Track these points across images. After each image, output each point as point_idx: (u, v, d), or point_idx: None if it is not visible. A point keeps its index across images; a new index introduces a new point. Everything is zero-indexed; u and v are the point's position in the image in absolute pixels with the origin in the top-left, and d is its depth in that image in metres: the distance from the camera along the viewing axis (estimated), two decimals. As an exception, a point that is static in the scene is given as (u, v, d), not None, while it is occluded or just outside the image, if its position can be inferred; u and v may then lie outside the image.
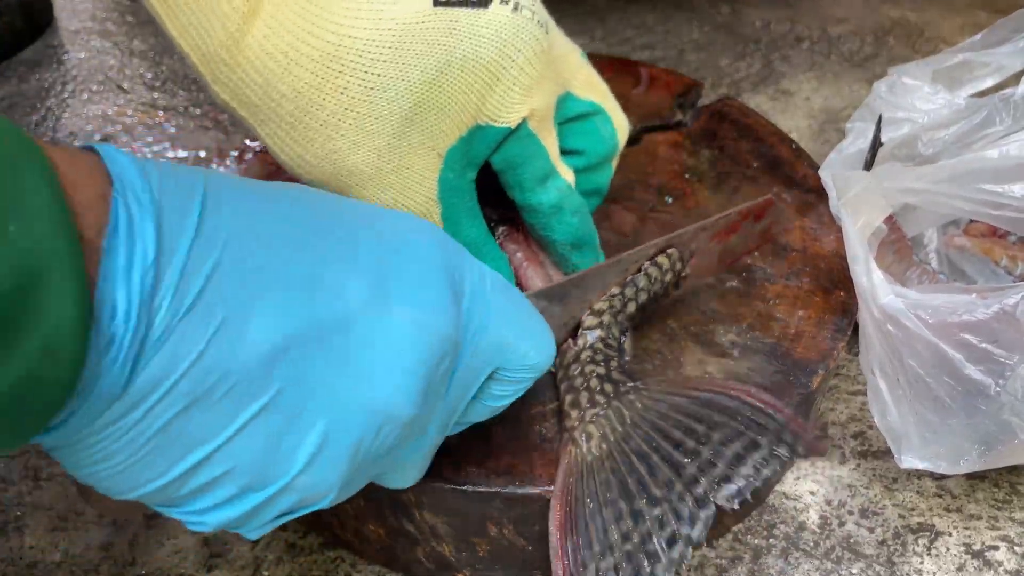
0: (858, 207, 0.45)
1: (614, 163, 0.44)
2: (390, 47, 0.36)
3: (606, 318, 0.39)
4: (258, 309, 0.24)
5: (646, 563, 0.31)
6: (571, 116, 0.41)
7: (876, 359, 0.41)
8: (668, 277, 0.41)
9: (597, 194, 0.44)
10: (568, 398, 0.37)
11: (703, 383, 0.36)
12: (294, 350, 0.25)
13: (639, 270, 0.41)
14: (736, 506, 0.32)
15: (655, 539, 0.31)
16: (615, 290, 0.40)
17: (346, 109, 0.36)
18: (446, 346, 0.28)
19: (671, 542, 0.31)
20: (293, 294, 0.25)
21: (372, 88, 0.36)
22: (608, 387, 0.37)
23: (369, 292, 0.26)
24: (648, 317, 0.42)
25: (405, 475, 0.32)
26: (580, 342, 0.39)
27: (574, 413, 0.36)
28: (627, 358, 0.39)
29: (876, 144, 0.52)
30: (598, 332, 0.39)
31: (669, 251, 0.41)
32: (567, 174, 0.41)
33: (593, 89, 0.42)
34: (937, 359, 0.39)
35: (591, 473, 0.34)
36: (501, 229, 0.43)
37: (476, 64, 0.36)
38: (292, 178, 0.39)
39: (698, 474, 0.33)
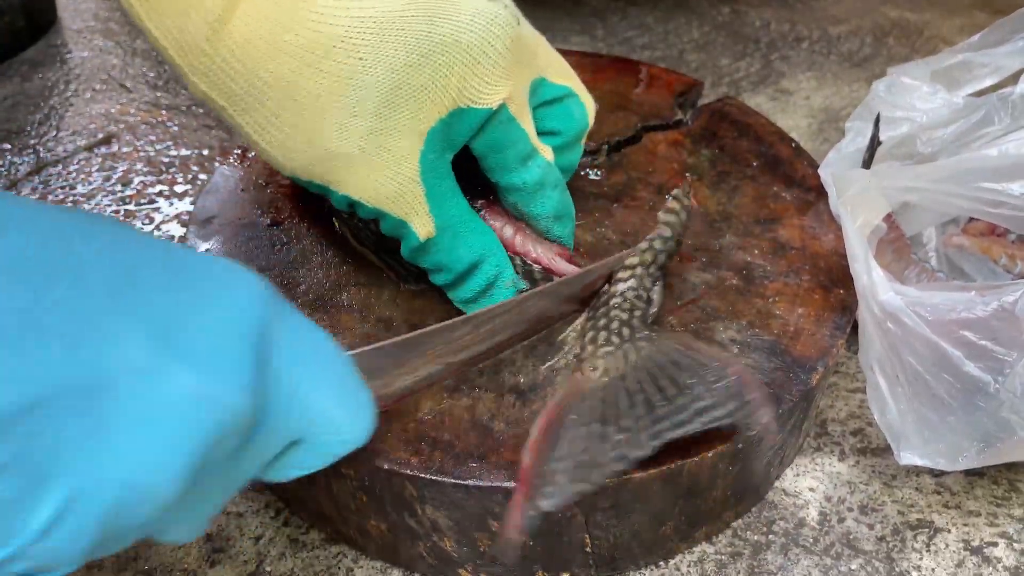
0: (857, 205, 0.45)
1: (583, 141, 0.47)
2: (372, 32, 0.37)
3: (639, 271, 0.42)
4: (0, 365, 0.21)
5: (589, 470, 0.34)
6: (547, 99, 0.44)
7: (875, 356, 0.42)
8: (684, 216, 0.44)
9: (569, 170, 0.46)
10: (589, 334, 0.40)
11: (706, 350, 0.38)
12: (39, 411, 0.22)
13: (658, 222, 0.44)
14: (678, 437, 0.36)
15: (606, 455, 0.35)
16: (644, 244, 0.43)
17: (329, 92, 0.37)
18: (234, 420, 0.25)
19: (617, 459, 0.35)
20: (49, 348, 0.22)
21: (355, 71, 0.37)
22: (625, 331, 0.40)
23: (147, 351, 0.23)
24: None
25: (180, 533, 0.28)
26: (613, 289, 0.41)
27: (589, 348, 0.39)
28: (655, 308, 0.42)
29: (875, 143, 0.52)
30: (631, 283, 0.41)
31: (675, 192, 0.45)
32: (546, 152, 0.43)
33: (564, 74, 0.45)
34: (936, 356, 0.40)
35: (584, 397, 0.37)
36: (479, 203, 0.44)
37: (457, 48, 0.38)
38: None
39: (665, 416, 0.36)
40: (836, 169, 0.51)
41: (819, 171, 0.52)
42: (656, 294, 0.42)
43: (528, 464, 0.34)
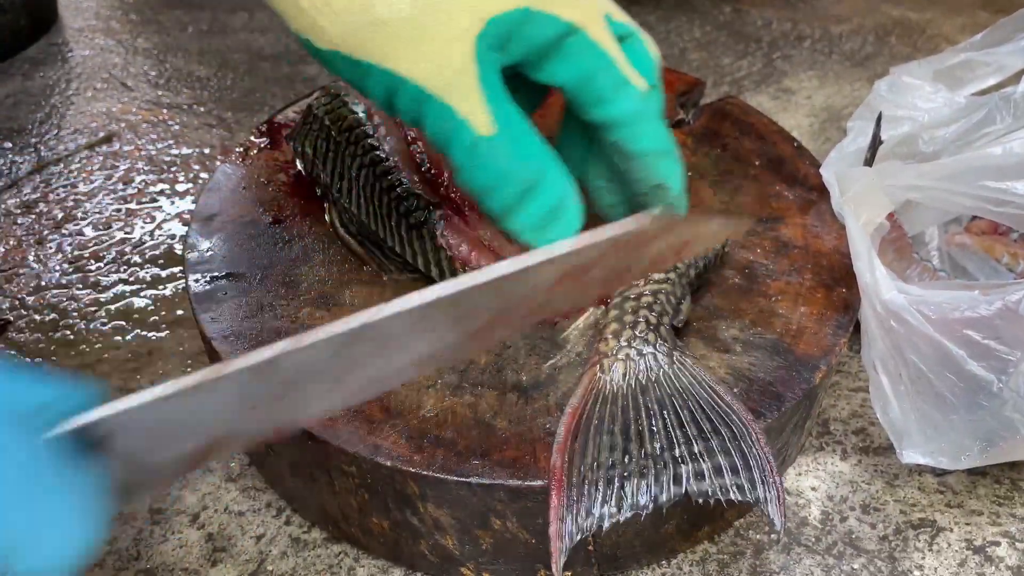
0: (860, 204, 0.45)
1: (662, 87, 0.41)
2: None
3: (672, 275, 0.42)
4: None
5: (616, 487, 0.35)
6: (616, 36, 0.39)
7: (878, 355, 0.41)
8: (721, 248, 0.45)
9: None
10: (613, 326, 0.40)
11: (729, 397, 0.38)
12: None
13: None
14: (698, 501, 0.36)
15: (632, 481, 0.35)
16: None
17: None
18: None
19: (640, 491, 0.35)
20: None
21: None
22: (651, 337, 0.39)
23: None
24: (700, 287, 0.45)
25: None
26: (646, 287, 0.41)
27: (612, 342, 0.39)
28: (682, 317, 0.42)
29: (876, 142, 0.52)
30: (666, 286, 0.41)
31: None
32: (640, 81, 0.38)
33: (622, 15, 0.41)
34: (939, 355, 0.39)
35: (606, 400, 0.37)
36: (438, 214, 0.44)
37: None
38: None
39: (685, 458, 0.36)
40: (838, 168, 0.51)
41: (821, 170, 0.52)
42: (685, 306, 0.42)
43: (559, 466, 0.35)
